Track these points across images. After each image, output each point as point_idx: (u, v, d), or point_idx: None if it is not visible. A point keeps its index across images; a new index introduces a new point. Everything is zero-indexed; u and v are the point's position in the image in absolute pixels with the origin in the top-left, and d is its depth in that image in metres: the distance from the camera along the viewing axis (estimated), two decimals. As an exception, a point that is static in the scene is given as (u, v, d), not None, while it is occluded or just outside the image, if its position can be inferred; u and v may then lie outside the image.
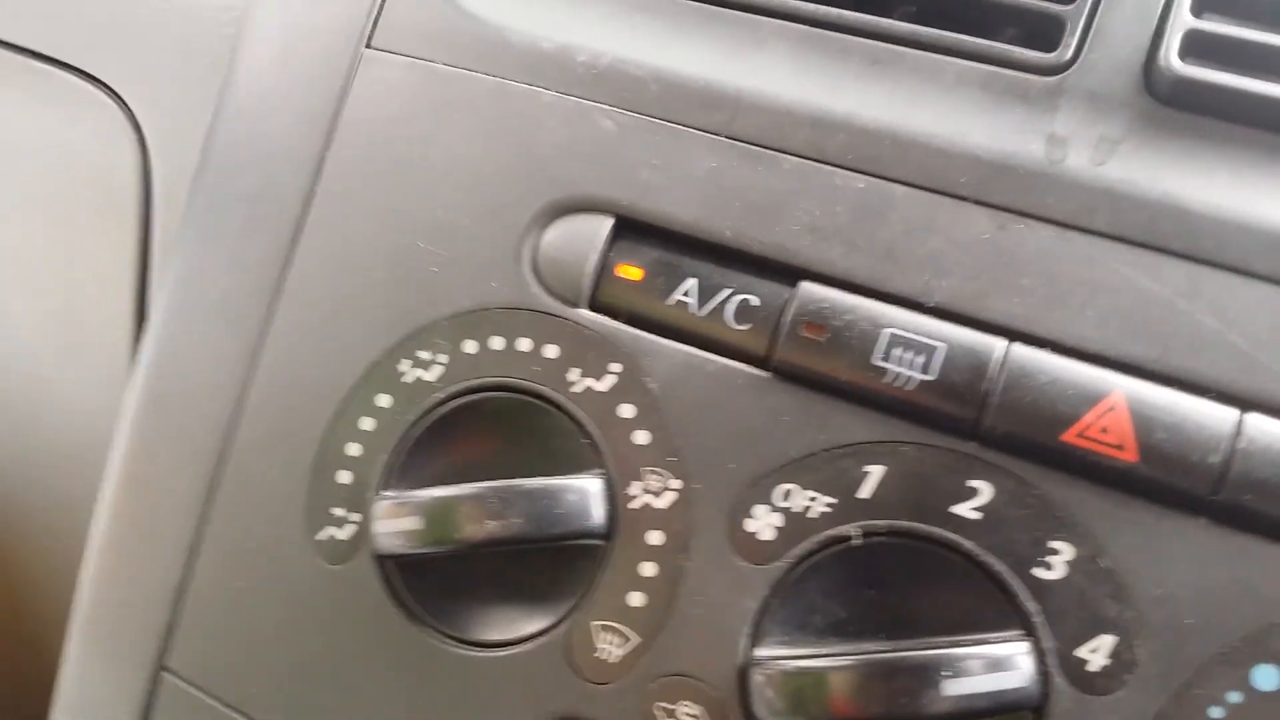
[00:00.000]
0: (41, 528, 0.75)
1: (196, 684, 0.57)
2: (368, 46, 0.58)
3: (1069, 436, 0.44)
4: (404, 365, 0.54)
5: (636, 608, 0.49)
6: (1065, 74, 0.49)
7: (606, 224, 0.53)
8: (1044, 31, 0.50)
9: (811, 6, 0.53)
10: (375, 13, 0.59)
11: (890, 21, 0.52)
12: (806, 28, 0.53)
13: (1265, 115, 0.47)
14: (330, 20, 0.60)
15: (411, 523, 0.51)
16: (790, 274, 0.50)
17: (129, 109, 0.66)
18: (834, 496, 0.47)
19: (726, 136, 0.52)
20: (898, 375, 0.46)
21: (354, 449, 0.54)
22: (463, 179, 0.55)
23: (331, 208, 0.57)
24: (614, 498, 0.50)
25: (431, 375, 0.53)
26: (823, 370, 0.48)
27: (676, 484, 0.49)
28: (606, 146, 0.53)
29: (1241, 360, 0.43)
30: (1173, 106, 0.48)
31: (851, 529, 0.46)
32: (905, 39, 0.52)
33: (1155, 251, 0.45)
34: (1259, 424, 0.42)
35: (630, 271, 0.52)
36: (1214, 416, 0.43)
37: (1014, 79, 0.50)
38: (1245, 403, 0.43)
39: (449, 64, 0.56)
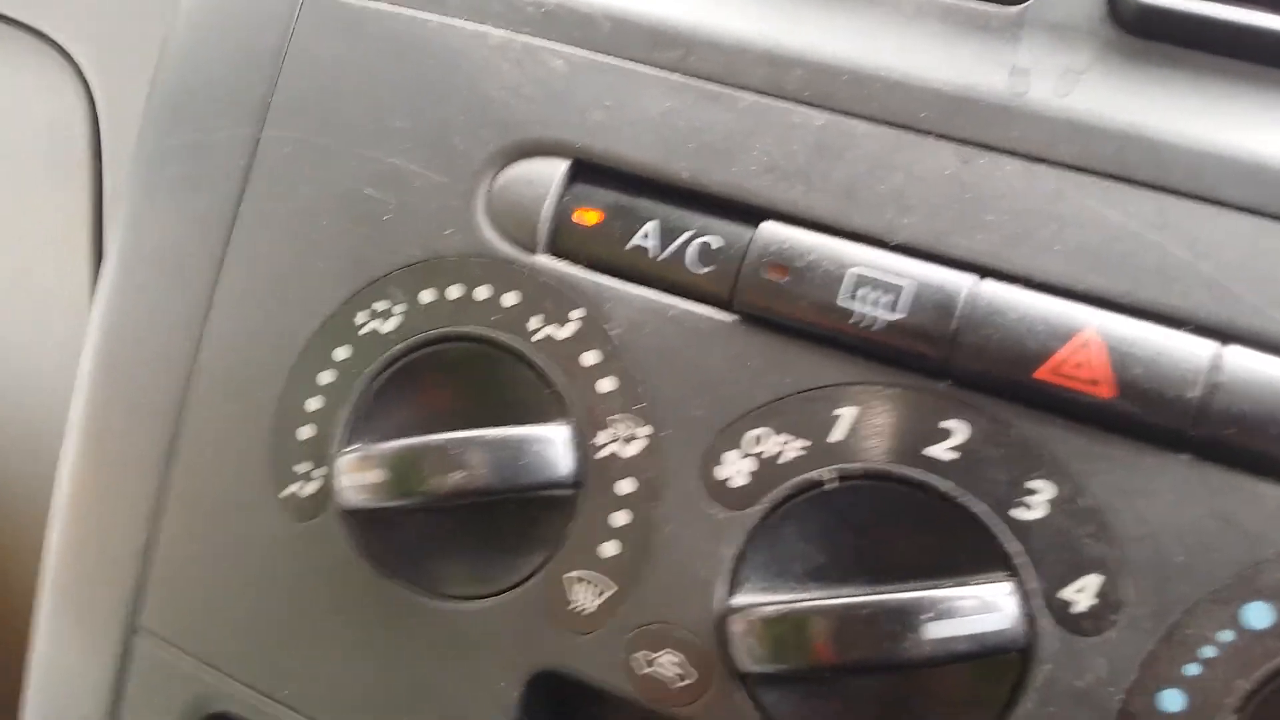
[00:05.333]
0: (4, 493, 0.74)
1: (170, 643, 0.55)
2: (310, -10, 0.56)
3: (1043, 373, 0.42)
4: (361, 317, 0.52)
5: (611, 557, 0.47)
6: (1026, 4, 0.47)
7: (562, 167, 0.51)
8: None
9: (765, -60, 0.51)
10: (317, -46, 0.56)
11: (846, -47, 0.50)
12: (761, -38, 0.51)
13: (1231, 42, 0.45)
14: (271, -37, 0.57)
15: (376, 476, 0.49)
16: (751, 214, 0.48)
17: (75, 64, 0.64)
18: (806, 440, 0.45)
19: (681, 74, 0.49)
20: (864, 315, 0.45)
21: (314, 403, 0.52)
22: (411, 124, 0.53)
23: (277, 157, 0.55)
24: (581, 446, 0.48)
25: (389, 326, 0.52)
26: (787, 312, 0.46)
27: (645, 431, 0.47)
28: (558, 87, 0.51)
29: (1215, 291, 0.41)
30: (1137, 35, 0.46)
31: (826, 473, 0.45)
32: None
33: (1123, 183, 0.43)
34: (1237, 356, 0.41)
35: (588, 215, 0.50)
36: (1191, 349, 0.41)
37: (974, 10, 0.48)
38: (1222, 335, 0.41)
39: (394, 4, 0.54)
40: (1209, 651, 0.40)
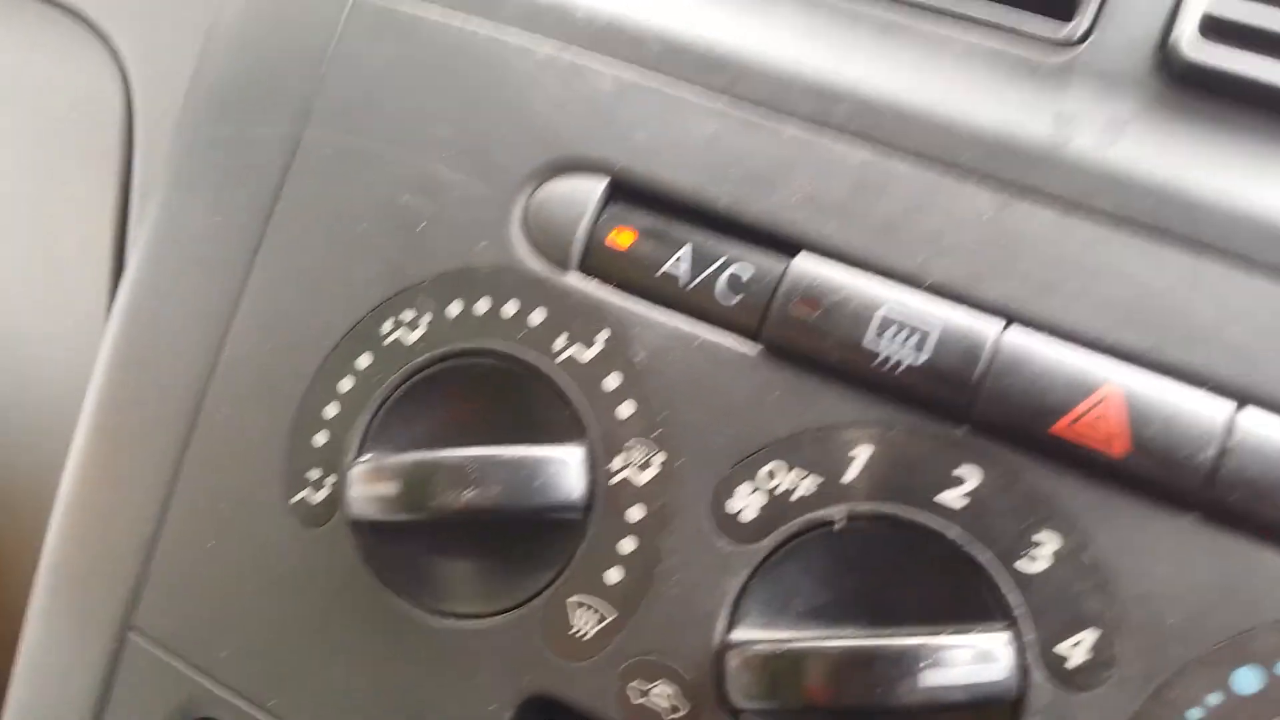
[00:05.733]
0: (12, 482, 0.76)
1: (163, 644, 0.58)
2: (359, -8, 0.59)
3: (1060, 427, 0.45)
4: (387, 325, 0.55)
5: (614, 584, 0.50)
6: (1077, 50, 0.50)
7: (600, 186, 0.53)
8: (1057, 6, 0.51)
9: (820, -31, 0.54)
10: (368, -43, 0.59)
11: (901, -12, 0.53)
12: (815, -9, 0.54)
13: (1277, 101, 0.47)
14: (321, -36, 0.60)
15: (387, 488, 0.52)
16: (786, 246, 0.50)
17: (113, 47, 0.67)
18: (820, 477, 0.48)
19: (728, 100, 0.52)
20: (889, 357, 0.47)
21: (332, 410, 0.55)
22: (453, 133, 0.55)
23: (317, 157, 0.58)
24: (595, 470, 0.51)
25: (414, 337, 0.54)
26: (813, 348, 0.48)
27: (660, 458, 0.50)
28: (603, 105, 0.54)
29: (1238, 354, 0.44)
30: (1185, 90, 0.48)
31: (836, 512, 0.47)
32: (916, 6, 0.53)
33: (1158, 238, 0.46)
34: (1253, 420, 0.43)
35: (622, 237, 0.53)
36: (1208, 411, 0.43)
37: (1025, 54, 0.50)
38: (1241, 397, 0.44)
39: (442, 13, 0.57)
40: (1196, 714, 0.42)
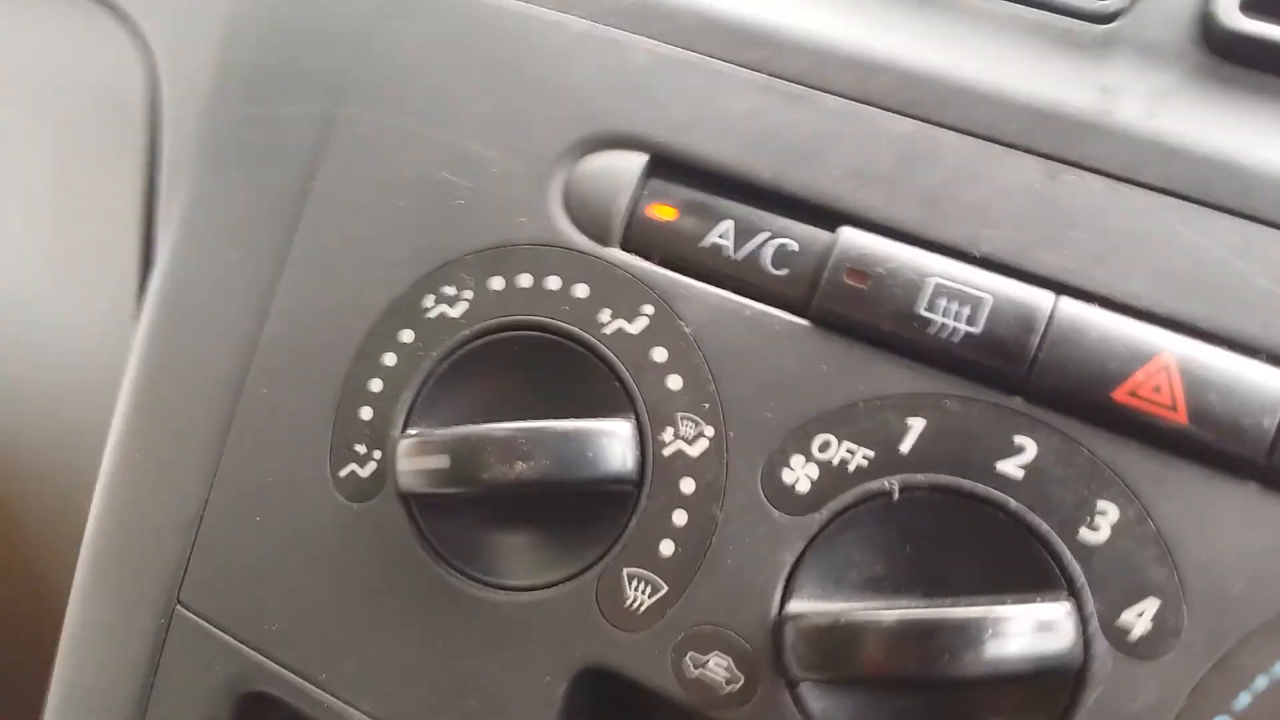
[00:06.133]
0: (40, 466, 0.75)
1: (212, 619, 0.58)
2: (393, -33, 0.58)
3: (1119, 395, 0.44)
4: (428, 300, 0.54)
5: (667, 556, 0.50)
6: (1118, 22, 0.50)
7: (640, 161, 0.53)
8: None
9: (859, -57, 0.54)
10: (405, -67, 0.59)
11: (940, -39, 0.53)
12: (854, -36, 0.54)
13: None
14: (357, -60, 0.60)
15: (437, 461, 0.51)
16: (831, 218, 0.50)
17: (137, 27, 0.66)
18: (873, 449, 0.47)
19: (766, 74, 0.52)
20: (942, 326, 0.47)
21: (376, 385, 0.55)
22: (491, 109, 0.55)
23: (353, 135, 0.57)
24: (645, 443, 0.51)
25: (457, 311, 0.54)
26: (865, 319, 0.48)
27: (710, 431, 0.50)
28: (641, 80, 0.53)
29: (1297, 322, 0.44)
30: (1228, 61, 0.48)
31: (891, 483, 0.47)
32: (954, -22, 0.52)
33: (1208, 208, 0.45)
34: (1312, 389, 0.43)
35: (664, 211, 0.52)
36: (1267, 379, 0.43)
37: (1065, 26, 0.50)
38: (1302, 366, 0.43)
39: (476, -12, 0.57)
40: (1261, 683, 0.42)
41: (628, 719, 0.53)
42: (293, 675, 0.56)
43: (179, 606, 0.59)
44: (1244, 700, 0.42)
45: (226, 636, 0.58)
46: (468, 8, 0.57)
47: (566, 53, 0.55)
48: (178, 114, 0.66)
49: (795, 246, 0.50)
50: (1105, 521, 0.44)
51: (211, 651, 0.58)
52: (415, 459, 0.52)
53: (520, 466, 0.50)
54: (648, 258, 0.52)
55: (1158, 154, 0.47)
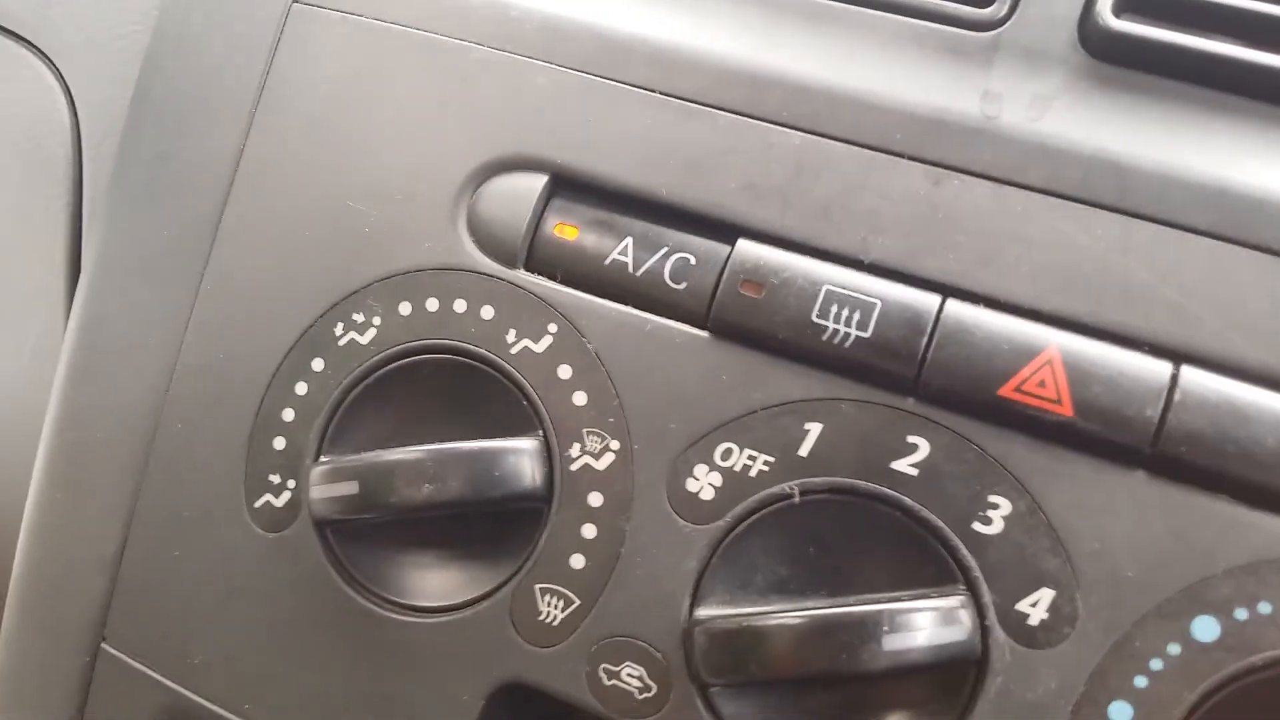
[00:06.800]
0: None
1: (136, 654, 0.57)
2: (296, 0, 0.58)
3: (1005, 391, 0.44)
4: (339, 328, 0.54)
5: (578, 570, 0.49)
6: (1000, 29, 0.50)
7: (541, 182, 0.53)
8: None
9: (746, -38, 0.53)
10: (303, -33, 0.58)
11: (825, -23, 0.52)
12: (742, -17, 0.53)
13: (1197, 70, 0.47)
14: (258, -25, 0.59)
15: (347, 488, 0.51)
16: (727, 232, 0.50)
17: (55, 67, 0.66)
18: (773, 455, 0.47)
19: (662, 93, 0.52)
20: (835, 332, 0.47)
21: (289, 414, 0.54)
22: (394, 137, 0.55)
23: (261, 167, 0.57)
24: (553, 459, 0.50)
25: (366, 338, 0.53)
26: (760, 328, 0.48)
27: (616, 445, 0.49)
28: (540, 103, 0.53)
29: (1175, 313, 0.43)
30: (1107, 62, 0.48)
31: (791, 487, 0.47)
32: (841, -7, 0.52)
33: (1089, 206, 0.45)
34: (1194, 377, 0.43)
35: (567, 230, 0.52)
36: (1150, 370, 0.43)
37: (949, 35, 0.50)
38: (1180, 355, 0.43)
39: (378, 18, 0.56)
40: (1157, 664, 0.42)
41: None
42: (217, 707, 0.55)
43: (103, 644, 0.58)
44: (1141, 683, 0.42)
45: (151, 672, 0.57)
46: (371, 37, 0.56)
47: (468, 78, 0.54)
48: (98, 149, 0.65)
49: (693, 260, 0.50)
50: (998, 515, 0.44)
51: (137, 687, 0.57)
52: (326, 486, 0.52)
53: (428, 489, 0.50)
54: (551, 277, 0.52)
55: (1040, 156, 0.47)
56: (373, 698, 0.52)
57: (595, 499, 0.49)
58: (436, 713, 0.51)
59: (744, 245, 0.49)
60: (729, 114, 0.51)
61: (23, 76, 0.66)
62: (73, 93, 0.65)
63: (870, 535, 0.46)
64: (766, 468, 0.47)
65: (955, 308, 0.46)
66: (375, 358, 0.53)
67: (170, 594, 0.56)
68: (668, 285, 0.50)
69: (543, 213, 0.53)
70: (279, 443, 0.54)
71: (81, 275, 0.60)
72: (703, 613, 0.47)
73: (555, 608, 0.49)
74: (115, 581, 0.57)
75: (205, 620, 0.56)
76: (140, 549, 0.57)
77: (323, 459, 0.53)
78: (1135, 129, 0.47)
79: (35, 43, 0.66)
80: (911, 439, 0.46)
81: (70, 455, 0.59)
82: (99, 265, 0.60)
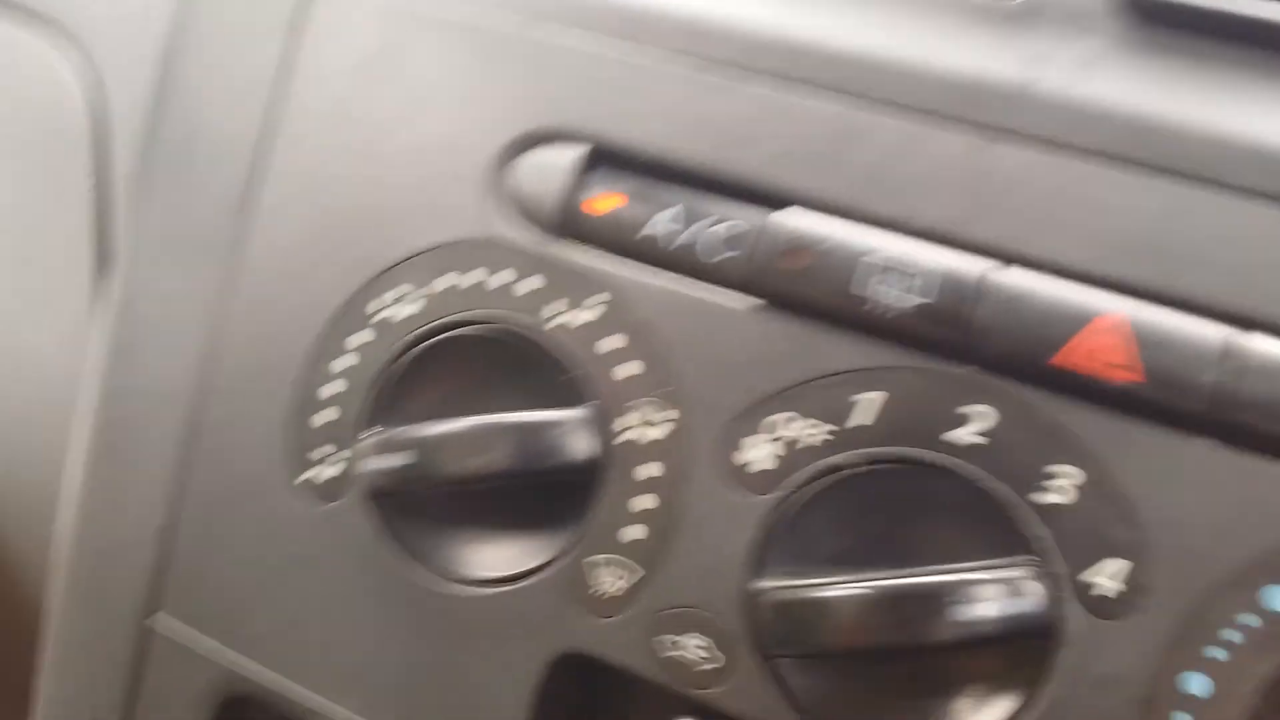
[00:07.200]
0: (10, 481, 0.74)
1: (192, 625, 0.57)
2: (324, -24, 0.57)
3: (1060, 358, 0.44)
4: (374, 304, 0.54)
5: (636, 541, 0.49)
6: (1037, -6, 0.49)
7: (579, 153, 0.52)
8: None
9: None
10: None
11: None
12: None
13: (1243, 31, 0.46)
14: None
15: (398, 459, 0.51)
16: (771, 201, 0.49)
17: (83, 46, 0.64)
18: (831, 424, 0.47)
19: (698, 61, 0.51)
20: (882, 301, 0.46)
21: (335, 388, 0.54)
22: (428, 112, 0.54)
23: (295, 144, 0.56)
24: (605, 431, 0.50)
25: (407, 312, 0.53)
26: (806, 297, 0.47)
27: (666, 416, 0.49)
28: (574, 74, 0.52)
29: (1233, 278, 0.43)
30: (1150, 24, 0.47)
31: (849, 456, 0.46)
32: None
33: (1139, 169, 0.45)
34: (1254, 343, 0.42)
35: (606, 201, 0.51)
36: (1211, 335, 0.42)
37: (984, 1, 0.50)
38: (1239, 321, 0.43)
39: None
40: (1232, 635, 0.42)
41: (607, 704, 0.53)
42: (274, 677, 0.55)
43: (157, 616, 0.58)
44: (1217, 653, 0.42)
45: (206, 642, 0.57)
46: (401, 12, 0.55)
47: (500, 51, 0.54)
48: (128, 130, 0.64)
49: (738, 229, 0.49)
50: (1065, 484, 0.44)
51: (191, 659, 0.57)
52: (377, 458, 0.52)
53: (480, 460, 0.50)
54: (593, 248, 0.51)
55: (1085, 119, 0.46)
56: (430, 668, 0.52)
57: (651, 469, 0.49)
58: (495, 684, 0.51)
59: (785, 214, 0.48)
60: (769, 79, 0.50)
61: (49, 56, 0.65)
62: (101, 72, 0.64)
63: (934, 505, 0.46)
64: (826, 437, 0.47)
65: (1008, 273, 0.45)
66: (419, 329, 0.53)
67: (222, 566, 0.57)
68: (712, 255, 0.49)
69: (583, 183, 0.52)
70: (326, 415, 0.54)
71: (120, 255, 0.60)
72: (766, 584, 0.47)
73: (613, 579, 0.49)
74: (167, 554, 0.57)
75: (259, 592, 0.56)
76: (190, 523, 0.57)
77: (371, 431, 0.53)
78: (1181, 91, 0.46)
79: (62, 21, 0.65)
80: (973, 408, 0.45)
81: (114, 433, 0.59)
82: (136, 243, 0.59)
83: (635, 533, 0.49)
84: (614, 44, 0.52)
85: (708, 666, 0.48)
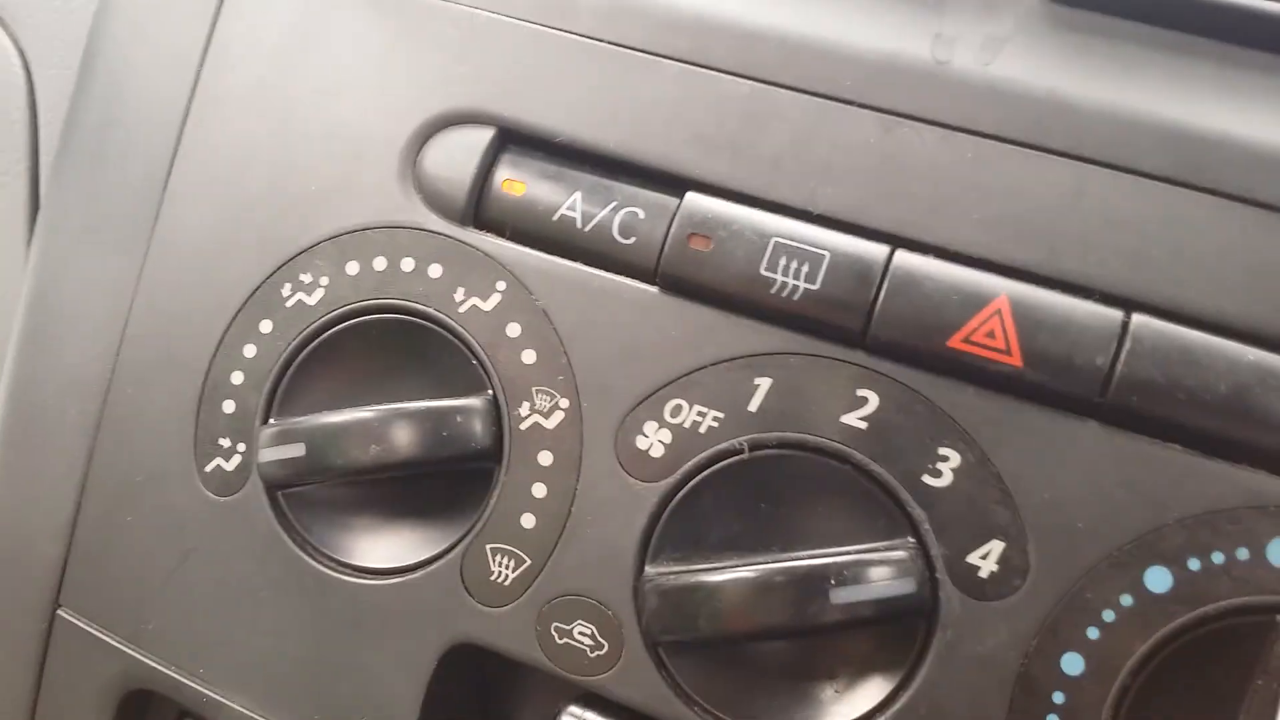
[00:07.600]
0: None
1: (92, 620, 0.56)
2: (241, -40, 0.56)
3: (954, 342, 0.43)
4: (286, 289, 0.52)
5: (529, 529, 0.48)
6: (951, -29, 0.48)
7: (488, 136, 0.51)
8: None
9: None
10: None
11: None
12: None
13: (1152, 10, 0.45)
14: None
15: (296, 450, 0.50)
16: (677, 184, 0.48)
17: (10, 31, 0.64)
18: (723, 410, 0.46)
19: (609, 44, 0.50)
20: (784, 285, 0.45)
21: (238, 377, 0.53)
22: (339, 94, 0.53)
23: (207, 128, 0.55)
24: (503, 419, 0.49)
25: (314, 298, 0.52)
26: (709, 282, 0.47)
27: (565, 403, 0.48)
28: (486, 56, 0.51)
29: (1128, 260, 0.42)
30: (1061, 3, 0.47)
31: (740, 443, 0.46)
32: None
33: (1042, 152, 0.44)
34: (1145, 325, 0.41)
35: (515, 186, 0.50)
36: (1101, 318, 0.42)
37: (901, -22, 0.49)
38: (1131, 303, 0.42)
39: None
40: (1109, 615, 0.41)
41: (499, 693, 0.52)
42: (174, 671, 0.54)
43: (59, 610, 0.56)
44: (1093, 634, 0.41)
45: (106, 637, 0.55)
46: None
47: (415, 32, 0.53)
48: (53, 117, 0.63)
49: (642, 214, 0.48)
50: (947, 467, 0.43)
51: (94, 652, 0.56)
52: (275, 449, 0.51)
53: (376, 450, 0.49)
54: (500, 234, 0.50)
55: (992, 101, 0.45)
56: (326, 659, 0.51)
57: (545, 458, 0.48)
58: (389, 674, 0.50)
59: (692, 198, 0.48)
60: (677, 63, 0.49)
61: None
62: (27, 57, 0.64)
63: (821, 489, 0.45)
64: (716, 424, 0.46)
65: (904, 258, 0.44)
66: (323, 318, 0.52)
67: (124, 559, 0.55)
68: (616, 240, 0.48)
69: (490, 168, 0.51)
70: (228, 406, 0.53)
71: (33, 241, 0.59)
72: (653, 570, 0.46)
73: (506, 567, 0.48)
74: (70, 547, 0.56)
75: (160, 585, 0.54)
76: (94, 515, 0.56)
77: (271, 421, 0.52)
78: (1089, 72, 0.45)
79: None
80: (861, 392, 0.44)
81: (24, 422, 0.58)
82: (49, 231, 0.58)
83: (527, 521, 0.48)
84: (525, 25, 0.51)
85: (596, 654, 0.47)
